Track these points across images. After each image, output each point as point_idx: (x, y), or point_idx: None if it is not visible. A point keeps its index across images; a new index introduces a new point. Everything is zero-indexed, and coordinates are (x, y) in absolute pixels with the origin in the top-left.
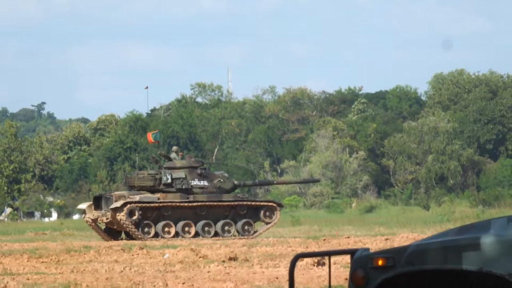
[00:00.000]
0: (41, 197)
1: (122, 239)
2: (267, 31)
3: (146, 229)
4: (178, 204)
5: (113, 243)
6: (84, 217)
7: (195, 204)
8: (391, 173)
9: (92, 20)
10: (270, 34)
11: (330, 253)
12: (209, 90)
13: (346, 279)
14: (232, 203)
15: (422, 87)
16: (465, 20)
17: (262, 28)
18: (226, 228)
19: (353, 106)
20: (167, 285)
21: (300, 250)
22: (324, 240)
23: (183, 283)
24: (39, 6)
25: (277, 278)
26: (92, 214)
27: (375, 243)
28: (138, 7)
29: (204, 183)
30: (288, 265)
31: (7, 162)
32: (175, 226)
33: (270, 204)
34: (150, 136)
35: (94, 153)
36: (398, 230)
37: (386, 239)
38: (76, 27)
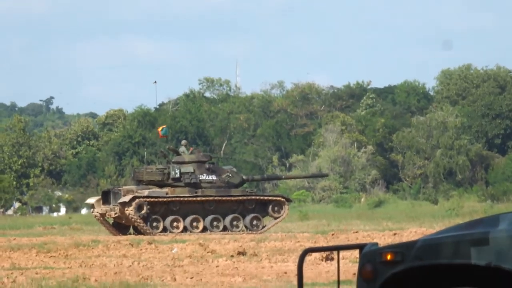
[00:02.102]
0: (50, 192)
1: (130, 233)
2: (275, 26)
3: (154, 224)
4: (186, 198)
5: (122, 237)
6: (92, 212)
7: (203, 198)
8: (399, 168)
9: (100, 14)
10: (278, 28)
11: (338, 248)
12: (217, 85)
13: (355, 274)
14: (240, 198)
15: (429, 82)
16: (472, 16)
17: (270, 23)
18: (235, 222)
19: (361, 101)
20: (175, 279)
21: (309, 245)
22: (332, 235)
23: (192, 278)
24: (47, 0)
25: (285, 273)
26: (100, 209)
27: (383, 238)
28: (146, 1)
29: (213, 177)
30: (297, 260)
31: (15, 157)
32: (184, 220)
33: (278, 198)
34: (160, 132)
35: (103, 148)
36: (406, 224)
37: (395, 234)
38: (84, 21)
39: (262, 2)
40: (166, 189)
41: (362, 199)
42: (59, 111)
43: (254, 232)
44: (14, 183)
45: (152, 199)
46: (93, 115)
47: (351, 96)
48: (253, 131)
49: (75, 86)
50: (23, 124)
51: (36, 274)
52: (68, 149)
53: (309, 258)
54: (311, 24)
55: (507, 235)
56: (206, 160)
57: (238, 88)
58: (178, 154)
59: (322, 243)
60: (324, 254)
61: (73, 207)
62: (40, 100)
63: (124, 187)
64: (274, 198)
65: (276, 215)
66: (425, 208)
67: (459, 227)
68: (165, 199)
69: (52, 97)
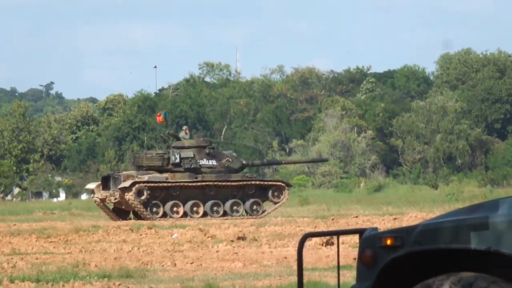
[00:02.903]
0: (50, 177)
1: (130, 219)
2: (275, 11)
3: (154, 209)
4: (186, 183)
5: (122, 223)
6: (92, 197)
7: (203, 183)
8: (399, 153)
9: None
10: (278, 13)
11: (338, 233)
12: (217, 70)
13: (355, 258)
14: (240, 183)
15: (429, 67)
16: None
17: (270, 8)
18: (235, 208)
19: (361, 85)
20: (175, 265)
21: (309, 229)
22: (332, 219)
23: (192, 263)
24: None
25: (285, 257)
26: (100, 194)
27: (383, 223)
28: None
29: (213, 162)
30: (297, 244)
31: (15, 142)
32: (184, 206)
33: (278, 183)
34: (160, 117)
35: (102, 133)
36: (406, 209)
37: (395, 219)
38: (84, 6)
39: None
40: (166, 174)
41: (362, 184)
42: (59, 96)
43: (254, 217)
44: (14, 168)
45: (152, 184)
46: (93, 100)
47: (351, 81)
48: (253, 116)
49: (75, 71)
50: (23, 109)
51: (36, 259)
52: (68, 134)
53: (309, 243)
54: (311, 9)
55: (507, 220)
56: (206, 145)
57: (238, 72)
58: (178, 139)
59: (322, 228)
60: (324, 239)
61: (73, 192)
62: (40, 85)
63: (124, 172)
64: (274, 183)
65: (276, 200)
66: (425, 192)
67: (459, 212)
68: (165, 184)
69: (52, 82)
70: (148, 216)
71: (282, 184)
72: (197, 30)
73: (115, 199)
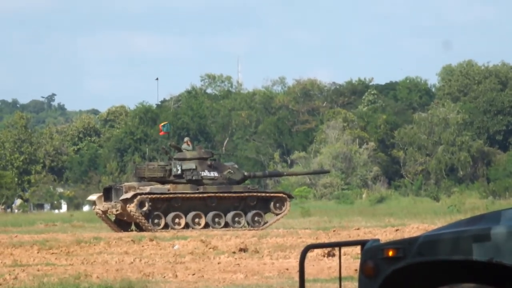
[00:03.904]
0: (51, 189)
1: (132, 230)
2: (277, 22)
3: (156, 220)
4: (188, 195)
5: (123, 234)
6: (94, 209)
7: (205, 195)
8: (401, 164)
9: (101, 9)
10: (280, 24)
11: (340, 244)
12: (219, 81)
13: (356, 270)
14: (242, 194)
15: (431, 79)
16: (474, 10)
17: (272, 19)
18: (236, 219)
19: (363, 97)
20: (177, 276)
21: (310, 241)
22: (334, 231)
23: (193, 274)
24: None
25: (287, 269)
26: (102, 206)
27: (385, 234)
28: None
29: (214, 174)
30: (298, 256)
31: (17, 153)
32: (185, 217)
33: (280, 195)
34: (161, 128)
35: (104, 144)
36: (408, 221)
37: (396, 230)
38: (85, 17)
39: None
40: (168, 186)
41: (364, 196)
42: (61, 107)
43: (256, 229)
44: (16, 179)
45: (154, 196)
46: (95, 112)
47: (353, 93)
48: (254, 127)
49: (77, 83)
50: (24, 120)
51: (38, 271)
52: (70, 146)
53: (310, 255)
54: (313, 20)
55: (509, 231)
56: (208, 157)
57: (239, 84)
58: (180, 150)
59: (323, 239)
60: (325, 250)
61: (75, 204)
62: (42, 97)
63: (125, 184)
64: (276, 194)
65: (277, 211)
66: (427, 204)
67: (461, 223)
68: (167, 196)
69: (54, 94)
70: (149, 227)
71: (284, 196)
72: (199, 41)
73: (117, 210)
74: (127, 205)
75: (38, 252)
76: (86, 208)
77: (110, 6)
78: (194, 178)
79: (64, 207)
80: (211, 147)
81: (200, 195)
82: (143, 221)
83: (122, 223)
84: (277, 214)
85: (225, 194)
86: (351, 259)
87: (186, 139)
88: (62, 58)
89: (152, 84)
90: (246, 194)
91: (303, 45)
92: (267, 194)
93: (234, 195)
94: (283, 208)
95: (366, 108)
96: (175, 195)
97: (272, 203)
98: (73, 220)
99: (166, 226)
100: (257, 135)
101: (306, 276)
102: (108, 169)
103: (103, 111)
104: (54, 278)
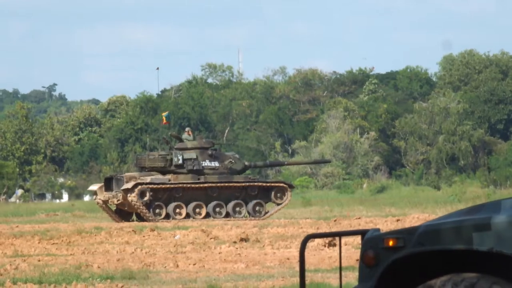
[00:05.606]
0: (52, 179)
1: (133, 220)
2: (278, 12)
3: (157, 210)
4: (189, 185)
5: (124, 224)
6: (95, 199)
7: (206, 185)
8: (402, 154)
9: (102, 0)
10: (281, 14)
11: (340, 234)
12: (219, 71)
13: (357, 259)
14: (243, 184)
15: (432, 68)
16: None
17: (272, 9)
18: (237, 209)
19: (364, 86)
20: (178, 266)
21: (311, 231)
22: (335, 221)
23: (194, 264)
24: None
25: (288, 259)
26: (103, 196)
27: (386, 224)
28: None
29: (215, 164)
30: (299, 246)
31: (18, 143)
32: (186, 207)
33: (281, 185)
34: (164, 118)
35: (105, 134)
36: (409, 210)
37: (397, 220)
38: (85, 7)
39: None
40: (168, 176)
41: (365, 185)
42: (62, 97)
43: (257, 218)
44: (17, 170)
45: (155, 186)
46: (95, 102)
47: (354, 82)
48: (255, 117)
49: (78, 73)
50: (25, 111)
51: (39, 261)
52: (71, 136)
53: (311, 244)
54: (314, 10)
55: (509, 221)
56: (209, 147)
57: (240, 74)
58: (180, 140)
59: (324, 229)
60: (326, 240)
61: (76, 194)
62: (43, 87)
63: (126, 174)
64: (277, 184)
65: (278, 201)
66: (428, 193)
67: (461, 213)
68: (167, 186)
69: (55, 84)
70: (150, 217)
71: (285, 186)
72: (200, 31)
73: (118, 200)
74: (128, 195)
75: (39, 242)
76: (87, 198)
77: None
78: (195, 168)
79: (65, 197)
80: (212, 137)
81: (201, 185)
82: (144, 211)
83: (123, 213)
84: (278, 204)
85: (226, 184)
86: (352, 248)
87: (187, 129)
88: (63, 48)
89: (152, 74)
90: (247, 184)
91: (303, 35)
92: (268, 184)
93: (235, 185)
94: (284, 198)
95: (367, 97)
96: (176, 185)
97: (273, 193)
98: (74, 210)
99: (167, 216)
100: (258, 125)
101: (307, 266)
102: (109, 159)
103: (104, 101)
104: (55, 268)
